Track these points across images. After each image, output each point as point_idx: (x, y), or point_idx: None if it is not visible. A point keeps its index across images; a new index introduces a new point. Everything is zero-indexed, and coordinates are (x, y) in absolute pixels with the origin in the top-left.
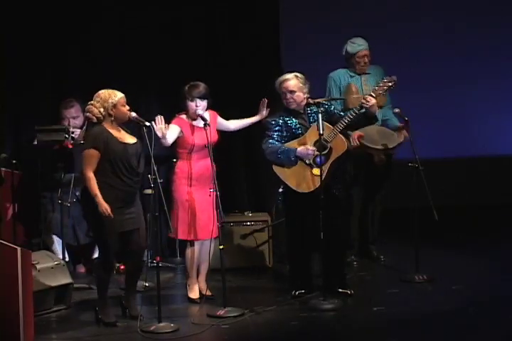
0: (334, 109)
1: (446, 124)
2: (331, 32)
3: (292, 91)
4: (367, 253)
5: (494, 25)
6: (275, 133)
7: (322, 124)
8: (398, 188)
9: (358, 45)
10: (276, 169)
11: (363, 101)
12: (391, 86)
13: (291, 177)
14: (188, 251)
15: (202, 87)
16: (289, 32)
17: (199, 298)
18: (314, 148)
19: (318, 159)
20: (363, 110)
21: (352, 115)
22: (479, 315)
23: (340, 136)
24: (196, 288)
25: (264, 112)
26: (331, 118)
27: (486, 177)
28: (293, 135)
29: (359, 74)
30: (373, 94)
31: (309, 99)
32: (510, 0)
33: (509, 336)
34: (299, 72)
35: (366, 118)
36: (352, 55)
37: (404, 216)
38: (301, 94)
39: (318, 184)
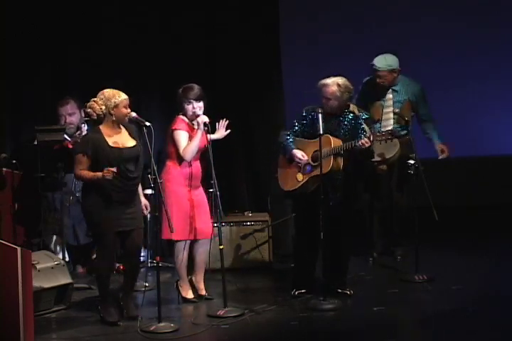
0: (361, 125)
1: (447, 124)
2: (331, 32)
3: (328, 99)
4: (388, 253)
5: (494, 25)
6: (298, 126)
7: (322, 125)
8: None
9: (373, 65)
10: (280, 159)
11: (362, 142)
12: (389, 138)
13: (282, 172)
14: (180, 251)
15: (196, 88)
16: (289, 32)
17: (195, 298)
18: (307, 159)
19: (308, 167)
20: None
21: (353, 145)
22: (479, 315)
23: (332, 157)
24: (189, 287)
25: (223, 132)
26: (353, 132)
27: (486, 177)
28: (313, 135)
29: (388, 88)
30: (371, 139)
31: (351, 106)
32: (509, 0)
33: (509, 336)
34: (343, 76)
35: (361, 154)
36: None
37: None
38: (336, 103)
39: (296, 186)
